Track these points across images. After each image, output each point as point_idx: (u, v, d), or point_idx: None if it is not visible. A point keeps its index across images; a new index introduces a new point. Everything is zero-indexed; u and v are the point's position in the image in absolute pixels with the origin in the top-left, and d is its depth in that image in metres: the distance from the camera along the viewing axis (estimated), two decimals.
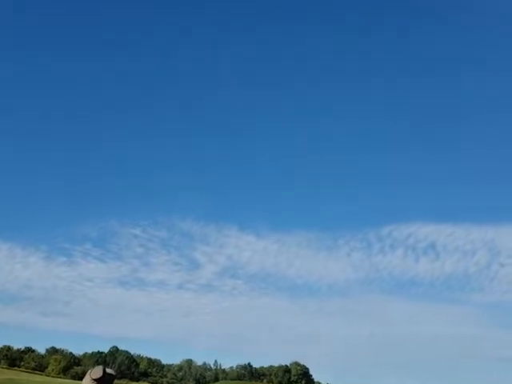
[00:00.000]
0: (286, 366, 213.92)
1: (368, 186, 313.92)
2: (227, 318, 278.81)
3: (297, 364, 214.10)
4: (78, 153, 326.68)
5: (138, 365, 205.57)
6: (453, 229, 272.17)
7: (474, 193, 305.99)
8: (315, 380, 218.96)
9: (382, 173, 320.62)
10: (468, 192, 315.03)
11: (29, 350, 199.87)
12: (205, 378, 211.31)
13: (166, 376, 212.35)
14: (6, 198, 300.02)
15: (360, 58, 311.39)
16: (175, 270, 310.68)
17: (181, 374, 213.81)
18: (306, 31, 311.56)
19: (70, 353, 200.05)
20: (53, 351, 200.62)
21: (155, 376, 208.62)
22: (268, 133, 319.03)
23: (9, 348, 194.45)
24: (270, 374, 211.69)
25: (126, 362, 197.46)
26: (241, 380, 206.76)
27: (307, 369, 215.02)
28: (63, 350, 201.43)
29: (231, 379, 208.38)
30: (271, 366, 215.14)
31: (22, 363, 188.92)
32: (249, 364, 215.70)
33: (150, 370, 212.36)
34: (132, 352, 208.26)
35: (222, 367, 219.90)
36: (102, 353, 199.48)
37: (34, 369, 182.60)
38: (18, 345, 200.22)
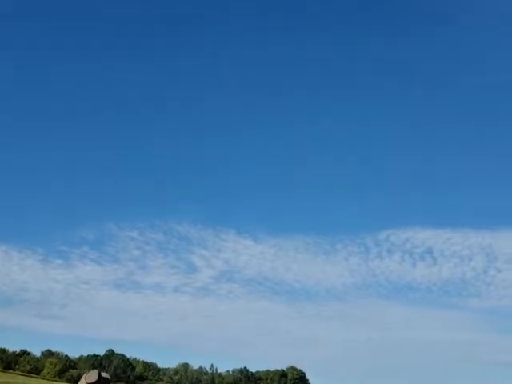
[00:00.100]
0: (283, 370, 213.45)
1: (366, 190, 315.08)
2: (224, 322, 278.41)
3: (293, 368, 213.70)
4: (76, 154, 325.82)
5: (133, 368, 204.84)
6: (450, 234, 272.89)
7: (471, 198, 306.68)
8: None
9: (379, 177, 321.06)
10: (465, 197, 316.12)
11: (24, 353, 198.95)
12: (201, 381, 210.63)
13: (161, 380, 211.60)
14: (2, 200, 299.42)
15: (360, 58, 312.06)
16: (172, 273, 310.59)
17: (177, 377, 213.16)
18: (306, 31, 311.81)
19: (66, 356, 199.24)
20: (48, 354, 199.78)
21: (151, 380, 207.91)
22: (266, 136, 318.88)
23: (4, 351, 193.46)
24: (267, 379, 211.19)
25: (122, 365, 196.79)
26: None
27: (304, 373, 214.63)
28: (59, 353, 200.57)
29: (227, 383, 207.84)
30: (268, 370, 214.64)
31: (18, 366, 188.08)
32: (245, 368, 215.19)
33: (145, 373, 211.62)
34: (128, 355, 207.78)
35: (219, 371, 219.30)
36: (97, 356, 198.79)
37: (29, 372, 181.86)
38: (13, 347, 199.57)
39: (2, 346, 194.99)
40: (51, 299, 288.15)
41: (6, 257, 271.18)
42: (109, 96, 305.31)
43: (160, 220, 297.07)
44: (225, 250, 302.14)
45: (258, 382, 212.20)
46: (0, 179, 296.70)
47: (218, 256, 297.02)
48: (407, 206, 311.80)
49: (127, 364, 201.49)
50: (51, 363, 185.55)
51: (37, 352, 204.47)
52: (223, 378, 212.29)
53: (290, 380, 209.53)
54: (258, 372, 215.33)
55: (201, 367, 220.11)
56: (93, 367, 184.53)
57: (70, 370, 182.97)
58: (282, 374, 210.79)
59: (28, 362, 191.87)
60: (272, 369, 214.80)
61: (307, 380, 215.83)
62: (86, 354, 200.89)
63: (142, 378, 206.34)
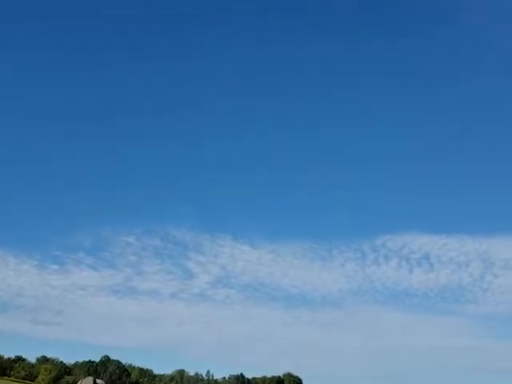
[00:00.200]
0: (279, 376, 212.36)
1: (363, 196, 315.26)
2: (220, 328, 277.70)
3: (290, 375, 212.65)
4: (72, 160, 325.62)
5: (129, 374, 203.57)
6: (447, 240, 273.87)
7: (467, 204, 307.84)
8: None
9: (376, 184, 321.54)
10: (462, 203, 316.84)
11: (19, 359, 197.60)
12: None
13: None
14: None
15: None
16: (168, 279, 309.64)
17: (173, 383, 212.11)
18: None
19: (61, 362, 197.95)
20: (43, 360, 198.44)
21: None
22: (263, 143, 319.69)
23: None
24: None
25: (118, 371, 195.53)
26: None
27: (300, 380, 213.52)
28: (54, 359, 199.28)
29: None
30: (264, 377, 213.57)
31: (13, 372, 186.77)
32: (241, 374, 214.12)
33: (141, 379, 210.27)
34: (123, 361, 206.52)
35: (215, 377, 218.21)
36: (93, 362, 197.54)
37: (24, 378, 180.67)
38: (8, 353, 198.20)
39: None
40: (47, 305, 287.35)
41: (3, 262, 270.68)
42: (105, 103, 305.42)
43: (157, 225, 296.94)
44: (222, 255, 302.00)
45: None
46: None
47: (215, 262, 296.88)
48: (404, 212, 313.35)
49: (123, 370, 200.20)
50: (46, 369, 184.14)
51: (32, 358, 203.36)
52: None
53: None
54: (254, 378, 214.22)
55: (197, 373, 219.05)
56: (88, 373, 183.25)
57: (65, 377, 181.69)
58: (279, 381, 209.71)
59: (23, 368, 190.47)
60: (268, 375, 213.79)
61: None
62: (81, 360, 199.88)
63: None
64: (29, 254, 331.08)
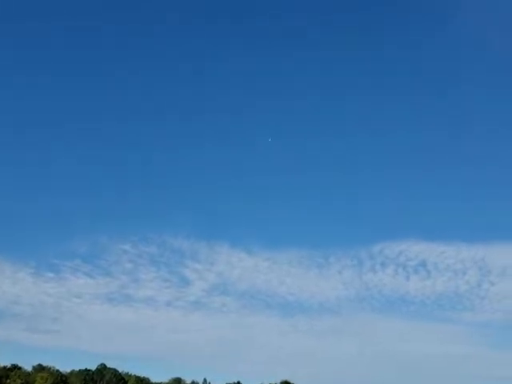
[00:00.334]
0: None
1: (359, 204, 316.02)
2: (216, 336, 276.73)
3: (287, 383, 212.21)
4: (68, 167, 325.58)
5: (126, 383, 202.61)
6: (444, 247, 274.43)
7: (464, 212, 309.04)
8: None
9: (373, 191, 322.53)
10: (459, 211, 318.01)
11: (15, 368, 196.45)
12: None
13: None
14: None
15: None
16: (164, 286, 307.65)
17: None
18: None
19: (57, 370, 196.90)
20: (39, 368, 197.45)
21: None
22: (260, 149, 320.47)
23: None
24: None
25: (114, 379, 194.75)
26: None
27: None
28: (50, 368, 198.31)
29: None
30: None
31: (8, 381, 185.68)
32: (238, 382, 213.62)
33: None
34: (120, 370, 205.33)
35: None
36: (89, 370, 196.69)
37: None
38: (4, 362, 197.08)
39: None
40: (43, 313, 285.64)
41: None
42: (104, 106, 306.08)
43: (153, 233, 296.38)
44: (218, 263, 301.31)
45: None
46: None
47: (211, 269, 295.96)
48: (401, 220, 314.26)
49: (119, 378, 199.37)
50: (42, 378, 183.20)
51: (28, 366, 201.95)
52: None
53: None
54: None
55: (193, 382, 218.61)
56: (84, 382, 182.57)
57: None
58: None
59: (19, 376, 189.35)
60: (265, 383, 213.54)
61: None
62: (77, 369, 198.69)
63: None
64: (25, 262, 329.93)
